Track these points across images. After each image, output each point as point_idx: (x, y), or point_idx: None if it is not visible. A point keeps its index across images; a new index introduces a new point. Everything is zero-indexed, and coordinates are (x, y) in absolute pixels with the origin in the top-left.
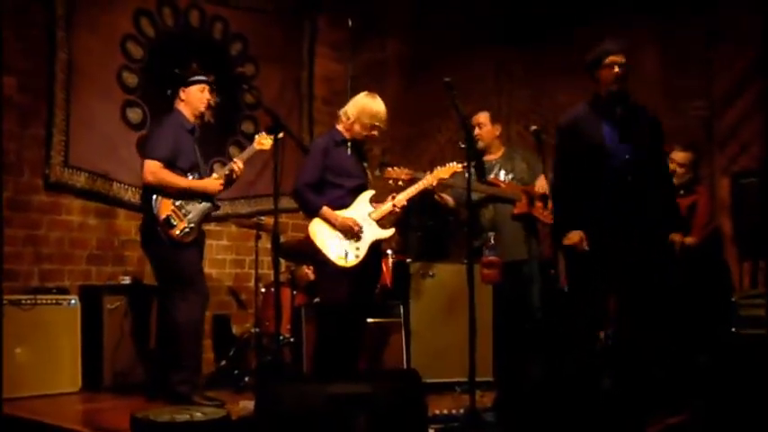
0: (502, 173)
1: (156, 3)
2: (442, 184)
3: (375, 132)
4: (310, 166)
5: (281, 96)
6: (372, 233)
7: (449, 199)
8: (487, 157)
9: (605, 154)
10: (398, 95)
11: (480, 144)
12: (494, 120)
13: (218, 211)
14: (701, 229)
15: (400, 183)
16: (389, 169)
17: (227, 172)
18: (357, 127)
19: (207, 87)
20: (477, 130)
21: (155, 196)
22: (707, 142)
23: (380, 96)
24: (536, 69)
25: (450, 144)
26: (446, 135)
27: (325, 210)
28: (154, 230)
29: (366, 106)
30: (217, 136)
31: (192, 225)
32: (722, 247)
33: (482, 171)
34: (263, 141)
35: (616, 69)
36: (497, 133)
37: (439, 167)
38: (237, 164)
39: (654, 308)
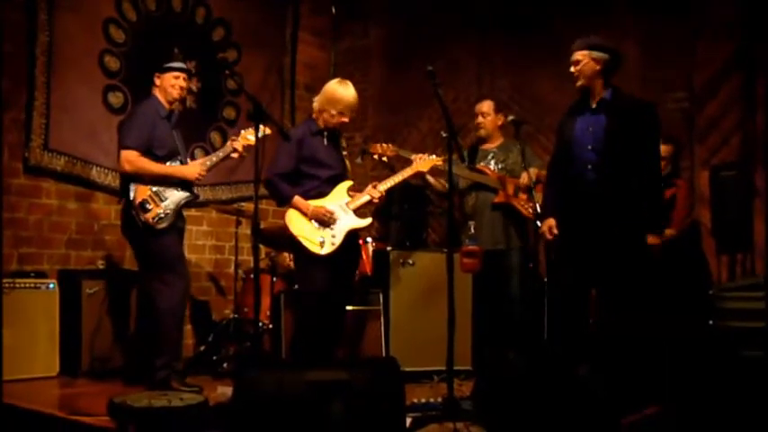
0: (493, 162)
1: None
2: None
3: (344, 119)
4: (284, 156)
5: (264, 82)
6: (349, 222)
7: (441, 181)
8: (484, 146)
9: (573, 147)
10: (381, 83)
11: (482, 132)
12: (497, 109)
13: (197, 199)
14: (679, 221)
15: (384, 159)
16: (375, 145)
17: (214, 159)
18: (325, 115)
19: (182, 75)
20: (480, 119)
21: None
22: (687, 135)
23: (363, 84)
24: (518, 59)
25: (432, 133)
26: (428, 124)
27: (297, 199)
28: (130, 215)
29: (333, 94)
30: (199, 122)
31: (168, 212)
32: (701, 239)
33: (472, 157)
34: (249, 137)
35: (571, 68)
36: (500, 123)
37: (418, 160)
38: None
39: (630, 300)
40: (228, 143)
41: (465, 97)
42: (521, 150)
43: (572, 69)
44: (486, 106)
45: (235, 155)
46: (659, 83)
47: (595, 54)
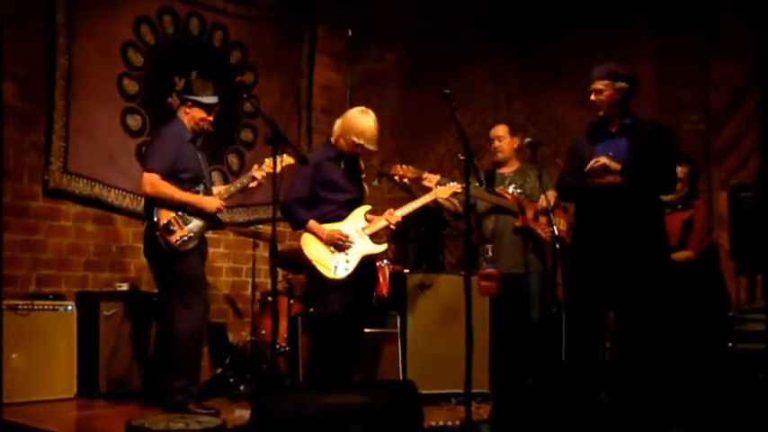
0: (511, 187)
1: (157, 10)
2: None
3: (359, 150)
4: (300, 180)
5: (280, 105)
6: (364, 247)
7: (454, 202)
8: (501, 170)
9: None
10: (397, 105)
11: (500, 156)
12: (512, 133)
13: (220, 224)
14: (697, 243)
15: (405, 180)
16: (395, 166)
17: (232, 189)
18: (342, 142)
19: (213, 114)
20: (497, 143)
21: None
22: (705, 156)
23: (379, 106)
24: (533, 81)
25: (448, 155)
26: (445, 146)
27: (312, 223)
28: (153, 237)
29: (353, 123)
30: (216, 144)
31: (192, 234)
32: (719, 261)
33: (491, 181)
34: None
35: (591, 96)
36: (516, 146)
37: (439, 186)
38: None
39: (650, 322)
40: (250, 172)
41: (481, 120)
42: (537, 175)
43: (593, 98)
44: (502, 130)
45: (254, 183)
46: (675, 104)
47: (618, 84)
